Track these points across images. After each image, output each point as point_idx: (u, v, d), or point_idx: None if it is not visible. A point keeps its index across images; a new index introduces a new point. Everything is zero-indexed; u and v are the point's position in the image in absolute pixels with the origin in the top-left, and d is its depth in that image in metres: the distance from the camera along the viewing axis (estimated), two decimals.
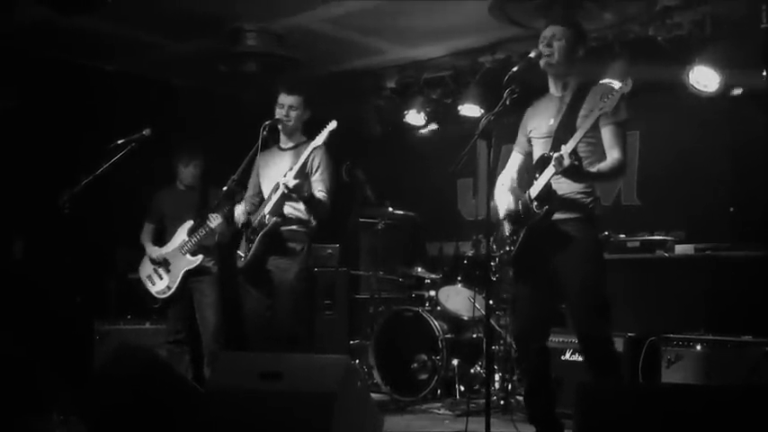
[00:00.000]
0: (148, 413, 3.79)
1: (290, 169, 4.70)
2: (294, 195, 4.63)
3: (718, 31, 5.51)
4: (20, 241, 6.34)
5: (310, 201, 4.71)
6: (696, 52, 5.54)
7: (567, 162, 3.66)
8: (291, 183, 4.56)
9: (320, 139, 4.63)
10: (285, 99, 4.87)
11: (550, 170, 3.80)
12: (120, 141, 4.97)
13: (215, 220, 5.30)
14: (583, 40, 4.04)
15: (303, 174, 4.70)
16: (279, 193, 4.70)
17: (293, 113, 4.87)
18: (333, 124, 4.62)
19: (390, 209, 6.64)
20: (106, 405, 3.95)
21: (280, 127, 4.90)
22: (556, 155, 3.71)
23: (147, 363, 4.04)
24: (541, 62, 3.95)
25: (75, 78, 6.69)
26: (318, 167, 4.77)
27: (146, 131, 5.01)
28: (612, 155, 3.83)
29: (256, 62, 6.44)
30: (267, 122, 4.76)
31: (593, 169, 3.81)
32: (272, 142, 5.01)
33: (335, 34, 6.28)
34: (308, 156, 4.69)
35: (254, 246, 4.76)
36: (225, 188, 4.69)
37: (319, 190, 4.76)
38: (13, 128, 6.17)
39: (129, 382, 3.91)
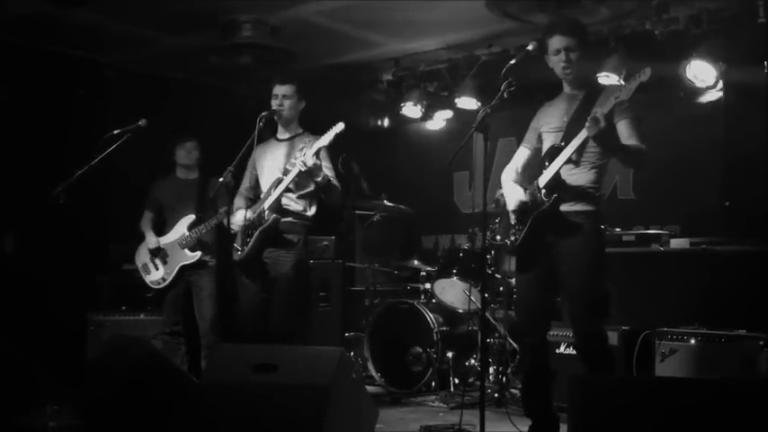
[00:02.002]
0: (143, 404, 3.79)
1: (293, 156, 4.68)
2: (310, 176, 4.60)
3: (715, 25, 5.51)
4: (10, 235, 6.31)
5: (327, 185, 4.71)
6: (692, 47, 5.55)
7: (603, 123, 3.62)
8: (310, 161, 4.54)
9: (325, 139, 4.59)
10: (278, 89, 4.89)
11: (560, 159, 3.84)
12: (115, 132, 4.95)
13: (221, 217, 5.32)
14: (591, 46, 4.09)
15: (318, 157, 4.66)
16: (279, 189, 4.69)
17: (287, 102, 4.88)
18: (340, 126, 4.57)
19: (386, 201, 6.64)
20: (100, 396, 3.95)
21: (276, 118, 4.90)
22: (591, 116, 3.65)
23: (141, 354, 4.04)
24: (561, 73, 3.98)
25: (68, 70, 6.64)
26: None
27: (141, 122, 5.00)
28: (631, 143, 3.85)
29: (251, 55, 6.41)
30: (263, 114, 4.77)
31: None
32: (268, 134, 5.00)
33: (331, 27, 6.26)
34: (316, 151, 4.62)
35: (252, 241, 4.76)
36: (221, 179, 4.68)
37: (330, 176, 4.79)
38: (3, 120, 6.12)
39: (123, 373, 3.91)
